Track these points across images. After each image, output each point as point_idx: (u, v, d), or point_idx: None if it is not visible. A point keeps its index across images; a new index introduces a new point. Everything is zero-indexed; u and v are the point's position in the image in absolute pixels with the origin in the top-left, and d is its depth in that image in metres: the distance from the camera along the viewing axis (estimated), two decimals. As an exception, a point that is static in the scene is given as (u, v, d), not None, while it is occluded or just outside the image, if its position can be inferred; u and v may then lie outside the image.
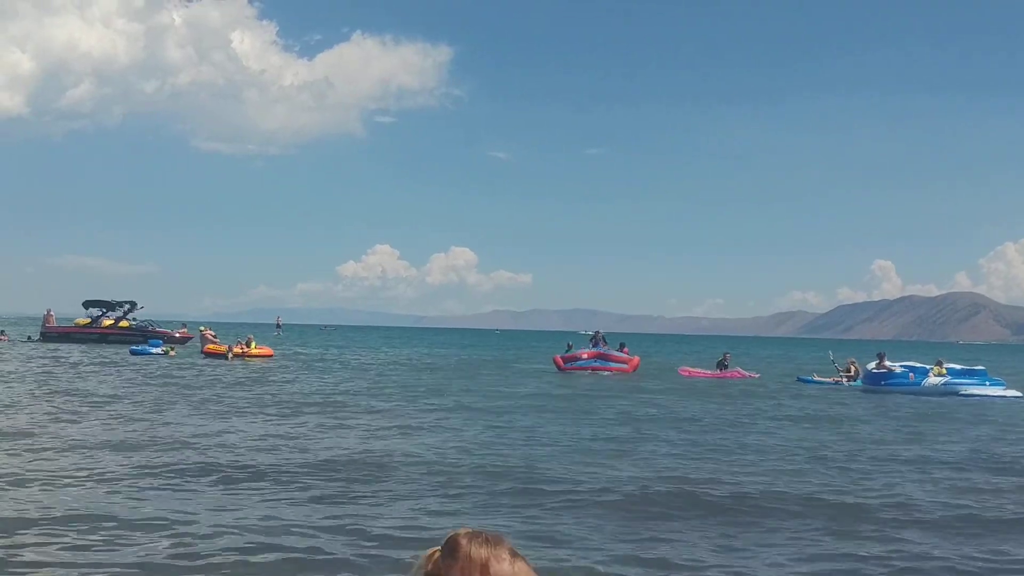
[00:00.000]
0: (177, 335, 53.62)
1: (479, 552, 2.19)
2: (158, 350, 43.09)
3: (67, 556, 7.38)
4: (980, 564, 7.88)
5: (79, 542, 7.75)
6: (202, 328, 46.63)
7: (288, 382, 28.40)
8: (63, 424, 15.80)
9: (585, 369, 37.26)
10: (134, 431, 15.02)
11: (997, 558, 8.12)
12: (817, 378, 34.86)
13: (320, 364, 40.48)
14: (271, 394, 23.17)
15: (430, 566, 2.26)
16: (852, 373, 34.11)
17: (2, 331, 56.11)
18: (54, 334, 54.99)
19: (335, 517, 8.99)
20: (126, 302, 56.62)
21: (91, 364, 34.53)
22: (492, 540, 2.22)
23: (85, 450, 12.74)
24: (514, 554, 2.22)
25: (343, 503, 9.71)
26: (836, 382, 33.71)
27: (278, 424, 16.77)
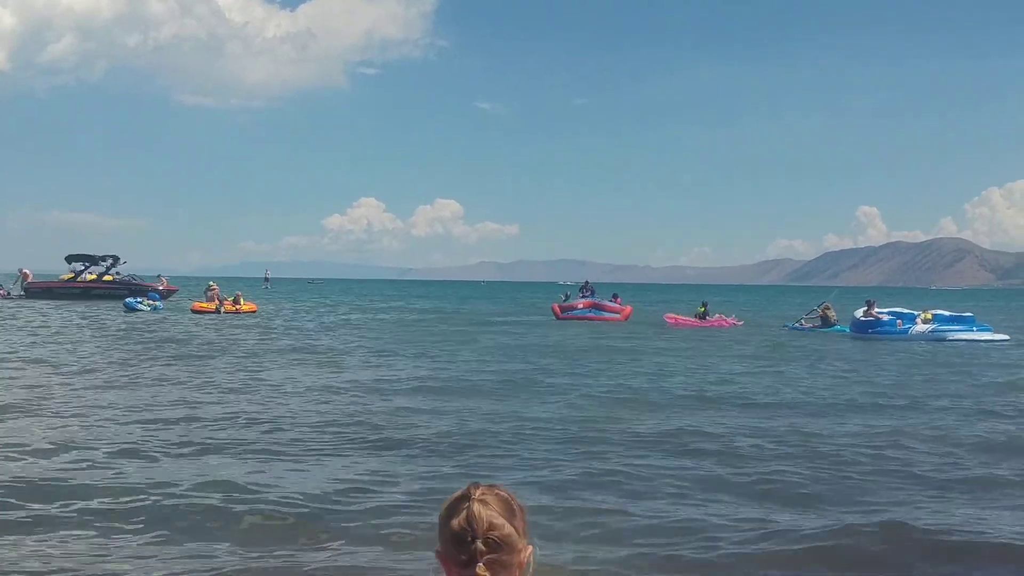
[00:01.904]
0: (161, 288, 53.08)
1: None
2: (143, 306, 42.53)
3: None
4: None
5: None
6: (211, 284, 45.84)
7: (269, 339, 28.20)
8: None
9: (581, 319, 38.77)
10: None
11: None
12: (805, 325, 35.61)
13: (303, 319, 40.19)
14: (244, 352, 22.76)
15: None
16: (820, 316, 35.04)
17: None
18: (37, 290, 54.26)
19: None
20: (109, 256, 55.89)
21: (79, 322, 34.13)
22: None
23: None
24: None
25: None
26: (813, 327, 34.75)
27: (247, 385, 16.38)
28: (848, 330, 32.38)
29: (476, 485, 2.10)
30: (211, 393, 14.48)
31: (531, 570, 2.08)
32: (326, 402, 13.66)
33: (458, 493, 2.09)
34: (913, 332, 30.04)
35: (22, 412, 12.04)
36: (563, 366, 19.94)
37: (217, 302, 41.52)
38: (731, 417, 12.72)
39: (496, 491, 2.09)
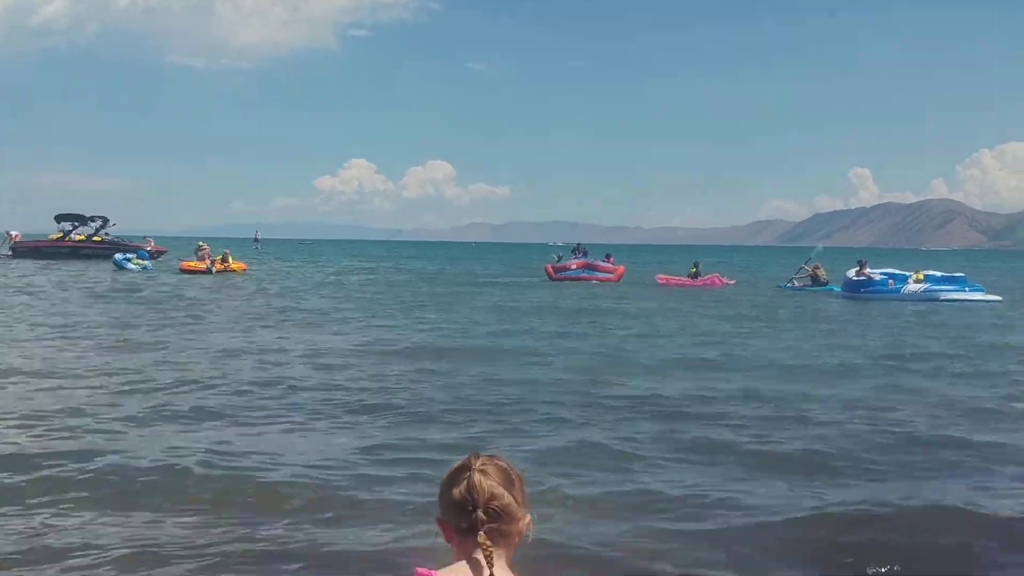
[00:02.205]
0: (149, 249, 52.77)
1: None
2: (132, 265, 42.52)
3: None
4: None
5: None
6: (201, 243, 45.32)
7: (257, 301, 28.06)
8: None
9: (575, 279, 38.77)
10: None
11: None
12: (796, 284, 35.79)
13: (291, 280, 40.13)
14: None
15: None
16: (811, 275, 35.27)
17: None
18: (24, 249, 53.86)
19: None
20: (98, 217, 55.46)
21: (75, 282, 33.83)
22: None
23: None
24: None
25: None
26: (804, 287, 34.96)
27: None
28: (839, 289, 32.39)
29: (476, 455, 2.16)
30: (198, 356, 14.29)
31: (529, 538, 2.15)
32: (313, 367, 13.45)
33: (459, 463, 2.15)
34: (905, 292, 29.98)
35: (2, 376, 11.83)
36: (555, 327, 19.79)
37: (208, 262, 41.16)
38: (723, 381, 12.59)
39: (496, 461, 2.15)
